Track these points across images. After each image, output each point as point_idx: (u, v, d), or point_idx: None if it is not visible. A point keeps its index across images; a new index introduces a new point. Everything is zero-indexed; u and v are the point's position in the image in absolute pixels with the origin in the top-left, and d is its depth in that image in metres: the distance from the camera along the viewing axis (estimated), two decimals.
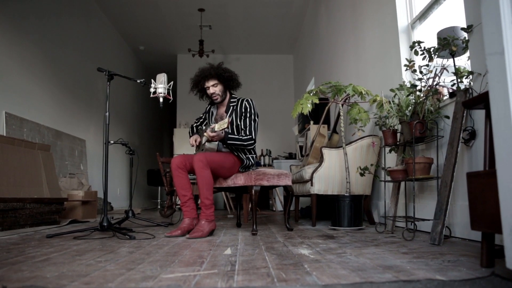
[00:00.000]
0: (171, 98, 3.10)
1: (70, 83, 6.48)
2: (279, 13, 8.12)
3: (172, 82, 3.12)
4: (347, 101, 3.80)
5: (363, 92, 3.45)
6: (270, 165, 7.06)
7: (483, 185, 1.45)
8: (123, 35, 9.19)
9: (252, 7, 7.86)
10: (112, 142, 3.22)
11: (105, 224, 2.89)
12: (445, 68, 2.65)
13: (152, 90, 3.06)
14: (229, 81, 3.29)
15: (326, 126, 5.19)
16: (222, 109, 3.36)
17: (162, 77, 3.04)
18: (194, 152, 3.44)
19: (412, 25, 3.51)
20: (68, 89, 6.42)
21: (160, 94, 3.03)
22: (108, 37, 8.45)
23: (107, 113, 3.04)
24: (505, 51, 1.18)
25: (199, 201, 3.19)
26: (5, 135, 4.43)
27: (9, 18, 4.84)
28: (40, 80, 5.55)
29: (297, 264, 1.68)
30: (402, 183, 3.20)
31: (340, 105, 3.62)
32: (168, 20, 8.36)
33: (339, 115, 3.92)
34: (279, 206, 6.74)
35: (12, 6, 4.92)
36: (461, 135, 2.39)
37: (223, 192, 6.97)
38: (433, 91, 2.62)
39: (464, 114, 2.39)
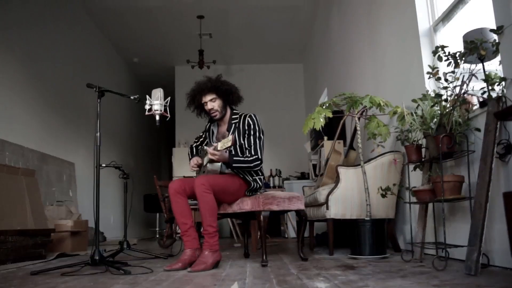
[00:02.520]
0: (169, 115, 3.10)
1: (57, 101, 6.53)
2: (287, 18, 8.17)
3: (169, 98, 3.13)
4: (364, 114, 3.79)
5: (382, 104, 3.43)
6: (280, 187, 7.02)
7: None
8: (115, 46, 9.29)
9: (256, 12, 7.92)
10: (104, 165, 3.22)
11: (97, 257, 2.85)
12: (473, 75, 2.63)
13: (147, 107, 3.07)
14: (228, 95, 3.29)
15: (341, 142, 5.16)
16: (224, 127, 3.36)
17: (158, 93, 3.05)
18: (195, 175, 3.42)
19: (435, 27, 3.50)
20: (55, 108, 6.46)
21: (156, 111, 3.03)
22: (98, 49, 8.55)
23: (98, 134, 3.05)
24: None
25: (201, 229, 3.17)
26: None
27: None
28: (23, 98, 5.60)
29: None
30: (430, 205, 3.14)
31: (357, 119, 3.60)
32: (164, 28, 8.45)
33: (355, 129, 3.89)
34: (291, 233, 6.67)
35: None
36: (495, 150, 2.35)
37: (228, 218, 6.93)
38: (461, 100, 2.59)
39: (498, 126, 2.36)
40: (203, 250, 2.89)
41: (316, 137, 6.17)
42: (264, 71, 10.19)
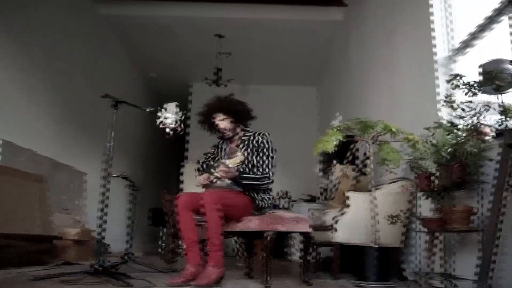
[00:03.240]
0: (182, 129, 3.10)
1: (73, 111, 6.60)
2: (305, 42, 8.23)
3: (184, 113, 3.13)
4: (376, 139, 3.76)
5: (395, 130, 3.40)
6: (288, 209, 6.96)
7: None
8: (133, 60, 9.38)
9: (277, 34, 7.98)
10: (115, 175, 3.22)
11: (100, 267, 2.84)
12: (489, 106, 2.60)
13: (160, 120, 3.07)
14: (239, 115, 3.30)
15: (352, 166, 5.12)
16: (234, 144, 3.36)
17: (172, 106, 3.06)
18: (203, 190, 3.41)
19: (452, 57, 3.49)
20: (71, 117, 6.53)
21: (170, 125, 3.04)
22: (116, 61, 8.65)
23: (111, 144, 3.06)
24: None
25: (205, 245, 3.14)
26: (0, 163, 4.49)
27: (12, 39, 5.01)
28: (39, 106, 5.67)
29: None
30: (439, 236, 3.08)
31: (369, 144, 3.57)
32: (183, 45, 8.54)
33: (367, 154, 3.87)
34: (296, 256, 6.58)
35: (15, 22, 5.08)
36: (508, 182, 2.31)
37: (233, 238, 6.86)
38: (476, 130, 2.56)
39: (511, 158, 2.32)
40: (207, 265, 2.87)
41: (326, 161, 6.13)
42: (279, 92, 10.22)
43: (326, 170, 6.13)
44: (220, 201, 2.92)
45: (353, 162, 5.31)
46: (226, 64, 8.62)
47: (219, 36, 8.01)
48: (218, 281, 2.88)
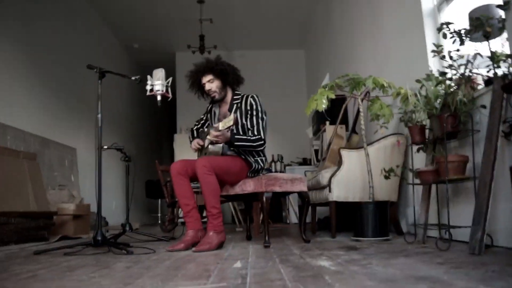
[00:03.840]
0: (170, 95, 3.08)
1: (57, 86, 6.50)
2: (288, 3, 8.11)
3: (171, 78, 3.10)
4: (367, 95, 3.76)
5: (385, 85, 3.39)
6: (282, 172, 7.01)
7: None
8: (115, 32, 9.22)
9: None
10: (106, 147, 3.20)
11: (99, 238, 2.85)
12: (478, 53, 2.59)
13: (148, 87, 3.04)
14: (226, 75, 3.26)
15: (343, 126, 5.14)
16: (225, 108, 3.34)
17: (159, 73, 3.03)
18: (196, 157, 3.40)
19: (439, 6, 3.46)
20: (56, 93, 6.44)
21: (158, 92, 3.01)
22: (98, 34, 8.49)
23: (99, 115, 3.03)
24: None
25: (203, 213, 3.16)
26: None
27: None
28: (23, 83, 5.58)
29: (316, 276, 1.64)
30: (433, 187, 3.13)
31: (360, 101, 3.57)
32: (164, 14, 8.38)
33: (358, 112, 3.87)
34: (293, 218, 6.67)
35: None
36: (500, 128, 2.33)
37: (230, 204, 6.93)
38: (466, 78, 2.56)
39: (503, 104, 2.33)
40: (207, 231, 2.89)
41: (318, 122, 6.14)
42: (266, 56, 10.13)
43: (318, 131, 6.15)
44: (213, 166, 2.92)
45: (344, 122, 5.33)
46: (210, 31, 8.48)
47: (200, 1, 7.86)
48: (219, 246, 2.91)
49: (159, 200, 9.85)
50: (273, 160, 7.38)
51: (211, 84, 3.24)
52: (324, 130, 5.65)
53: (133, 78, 3.16)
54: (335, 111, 5.46)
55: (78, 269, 2.05)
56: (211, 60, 3.29)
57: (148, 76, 3.05)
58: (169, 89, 3.07)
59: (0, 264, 2.37)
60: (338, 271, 1.75)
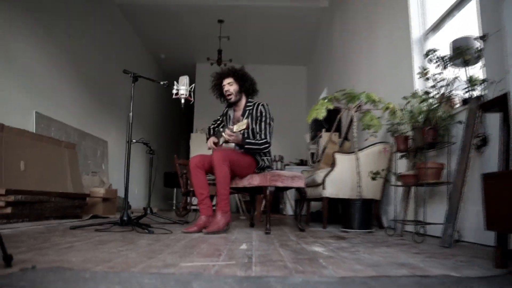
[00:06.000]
0: (192, 99, 3.10)
1: (95, 87, 6.56)
2: (295, 26, 8.14)
3: (194, 84, 3.13)
4: (360, 108, 3.77)
5: (376, 100, 3.41)
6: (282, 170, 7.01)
7: (499, 185, 1.41)
8: (145, 43, 9.29)
9: (270, 20, 7.90)
10: (135, 141, 3.23)
11: (125, 218, 2.88)
12: (457, 77, 2.61)
13: (174, 91, 3.07)
14: (244, 81, 3.28)
15: (337, 133, 5.15)
16: (239, 113, 3.36)
17: (184, 79, 3.06)
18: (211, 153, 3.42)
19: (425, 36, 3.47)
20: (93, 92, 6.50)
21: (182, 96, 3.04)
22: (131, 44, 8.55)
23: (131, 113, 3.06)
24: None
25: (214, 201, 3.17)
26: (34, 132, 4.48)
27: (39, 23, 4.93)
28: (68, 82, 5.63)
29: (312, 259, 1.65)
30: (413, 189, 3.14)
31: (353, 112, 3.58)
32: (189, 30, 8.44)
33: (351, 121, 3.88)
34: (289, 211, 6.68)
35: (43, 12, 5.01)
36: (472, 141, 2.34)
37: (236, 196, 6.95)
38: (446, 98, 2.58)
39: (477, 121, 2.35)
40: (216, 213, 2.91)
41: (315, 129, 6.16)
42: (273, 71, 10.15)
43: (315, 137, 6.17)
44: (227, 158, 2.95)
45: (338, 130, 5.34)
46: (227, 46, 8.52)
47: (220, 21, 7.91)
48: (226, 226, 2.93)
49: (175, 189, 9.88)
50: (274, 160, 7.39)
51: (230, 86, 3.26)
52: (320, 136, 5.67)
53: (161, 83, 3.19)
54: (331, 120, 5.47)
55: (108, 243, 2.08)
56: (235, 67, 3.32)
57: (174, 82, 3.07)
58: (192, 94, 3.10)
59: (43, 235, 2.40)
60: (331, 256, 1.77)
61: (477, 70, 2.57)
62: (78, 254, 1.63)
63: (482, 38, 2.34)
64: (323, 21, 7.79)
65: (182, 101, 3.05)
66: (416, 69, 3.32)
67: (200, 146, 8.94)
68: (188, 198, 5.59)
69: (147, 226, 3.06)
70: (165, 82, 3.17)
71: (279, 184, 3.13)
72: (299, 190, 3.34)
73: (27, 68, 4.65)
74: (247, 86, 3.30)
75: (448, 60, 2.55)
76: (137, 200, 8.54)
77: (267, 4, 7.39)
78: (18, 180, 3.39)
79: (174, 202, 9.94)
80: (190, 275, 1.24)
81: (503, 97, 1.43)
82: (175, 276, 1.22)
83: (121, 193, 6.17)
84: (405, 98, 2.90)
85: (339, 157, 3.80)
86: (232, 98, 3.28)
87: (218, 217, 2.89)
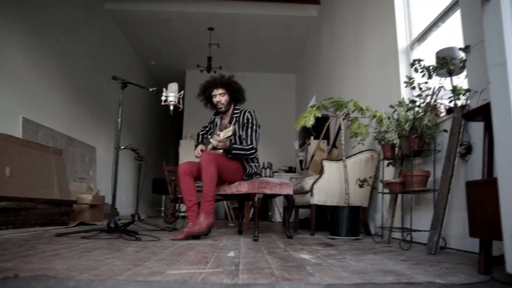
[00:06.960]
0: (181, 106, 3.09)
1: (84, 93, 6.51)
2: (284, 35, 8.20)
3: (183, 91, 3.12)
4: (348, 116, 3.80)
5: (364, 108, 3.44)
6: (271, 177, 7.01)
7: (482, 193, 1.43)
8: (136, 50, 9.26)
9: (259, 28, 7.94)
10: (123, 147, 3.20)
11: (112, 225, 2.85)
12: (442, 87, 2.65)
13: (163, 98, 3.06)
14: (237, 94, 3.29)
15: (326, 141, 5.17)
16: (226, 120, 3.36)
17: (173, 86, 3.05)
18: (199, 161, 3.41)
19: (411, 46, 3.52)
20: (82, 98, 6.44)
21: (171, 102, 3.03)
22: (121, 50, 8.51)
23: (120, 119, 3.03)
24: (507, 62, 1.17)
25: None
26: (21, 137, 4.41)
27: (29, 28, 4.88)
28: (56, 88, 5.58)
29: (299, 267, 1.65)
30: (399, 196, 3.16)
31: (341, 120, 3.61)
32: (179, 37, 8.44)
33: (339, 129, 3.90)
34: (278, 218, 6.67)
35: (33, 17, 4.96)
36: (457, 149, 2.37)
37: (224, 203, 6.91)
38: (432, 106, 2.61)
39: (461, 130, 2.38)
40: (199, 214, 2.88)
41: (304, 136, 6.18)
42: (263, 78, 10.20)
43: (303, 144, 6.18)
44: (215, 159, 2.93)
45: (326, 137, 5.36)
46: (217, 53, 8.55)
47: (210, 29, 7.93)
48: (208, 228, 2.90)
49: (163, 196, 9.82)
50: (263, 167, 7.38)
51: (221, 97, 3.24)
52: (309, 144, 5.68)
53: (151, 89, 3.17)
54: (319, 128, 5.50)
55: (94, 250, 2.05)
56: (226, 76, 3.29)
57: (164, 88, 3.06)
58: (181, 101, 3.08)
59: (28, 243, 2.35)
60: (318, 263, 1.77)
61: (461, 80, 2.61)
62: (63, 262, 1.60)
63: (465, 49, 2.38)
64: (312, 30, 7.86)
65: (171, 108, 3.03)
66: (403, 78, 3.36)
67: (189, 152, 8.90)
68: (177, 205, 5.54)
69: (135, 233, 3.02)
70: (154, 88, 3.15)
71: (267, 191, 3.12)
72: (287, 197, 3.34)
73: (14, 73, 4.59)
74: (239, 97, 3.31)
75: (433, 70, 2.59)
76: (125, 206, 8.45)
77: (256, 12, 7.45)
78: (3, 186, 3.33)
79: (163, 208, 9.87)
80: (176, 283, 1.22)
81: (486, 107, 1.46)
82: (161, 284, 1.21)
83: (108, 200, 6.10)
84: (392, 106, 2.93)
85: (327, 165, 3.82)
86: (223, 108, 3.28)
87: (200, 218, 2.86)
